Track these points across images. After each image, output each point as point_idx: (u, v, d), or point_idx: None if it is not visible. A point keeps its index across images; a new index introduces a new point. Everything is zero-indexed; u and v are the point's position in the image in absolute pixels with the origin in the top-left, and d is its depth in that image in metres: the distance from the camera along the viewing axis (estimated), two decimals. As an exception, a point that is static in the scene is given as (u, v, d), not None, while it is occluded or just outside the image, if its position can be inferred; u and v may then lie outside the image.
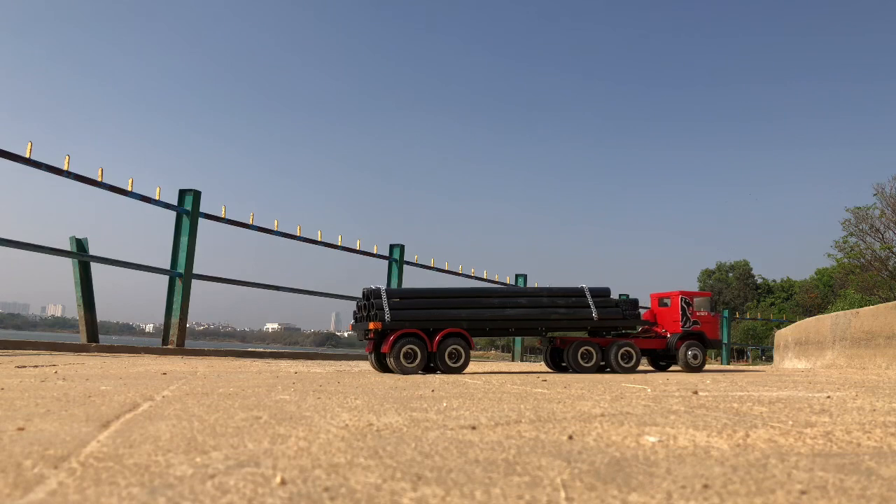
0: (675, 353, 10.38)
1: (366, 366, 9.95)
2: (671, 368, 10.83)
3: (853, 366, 13.11)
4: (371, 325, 8.60)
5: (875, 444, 2.01)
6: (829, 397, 3.86)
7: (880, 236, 35.25)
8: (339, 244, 14.22)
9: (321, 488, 1.30)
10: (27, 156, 9.24)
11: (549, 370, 9.99)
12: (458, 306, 9.22)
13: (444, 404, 3.03)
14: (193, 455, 1.60)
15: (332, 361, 11.36)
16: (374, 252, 14.88)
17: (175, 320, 11.02)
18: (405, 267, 15.53)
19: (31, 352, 8.45)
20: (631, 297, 10.10)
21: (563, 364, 10.00)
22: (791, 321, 25.83)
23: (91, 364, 5.84)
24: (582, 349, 9.40)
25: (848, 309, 19.34)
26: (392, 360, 8.45)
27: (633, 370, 9.39)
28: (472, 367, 9.50)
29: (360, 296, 9.44)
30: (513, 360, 17.69)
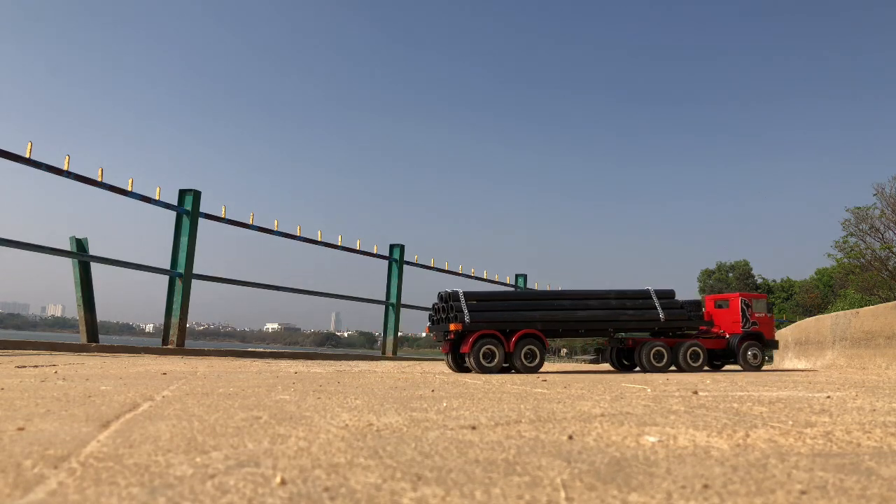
0: (736, 352, 10.84)
1: (365, 366, 9.96)
2: (706, 368, 11.36)
3: (853, 366, 13.12)
4: (452, 327, 8.94)
5: (875, 444, 2.01)
6: (829, 397, 3.86)
7: (880, 236, 35.24)
8: (339, 244, 14.21)
9: (321, 488, 1.30)
10: (27, 156, 9.23)
11: (614, 370, 10.47)
12: (532, 308, 9.54)
13: (444, 404, 3.03)
14: (193, 455, 1.60)
15: (332, 361, 11.35)
16: (374, 252, 14.87)
17: (175, 320, 11.01)
18: (405, 267, 15.51)
19: (31, 352, 8.44)
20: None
21: (627, 363, 10.65)
22: (791, 321, 25.81)
23: (91, 364, 5.84)
24: (654, 349, 9.80)
25: (848, 309, 19.36)
26: (472, 359, 8.78)
27: (700, 369, 9.89)
28: (472, 367, 9.50)
29: (437, 299, 9.86)
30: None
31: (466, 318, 8.99)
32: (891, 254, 35.09)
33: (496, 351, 8.86)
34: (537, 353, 9.01)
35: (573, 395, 3.70)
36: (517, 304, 9.62)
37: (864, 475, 1.51)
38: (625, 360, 10.73)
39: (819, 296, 53.80)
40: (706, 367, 10.55)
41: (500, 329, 9.06)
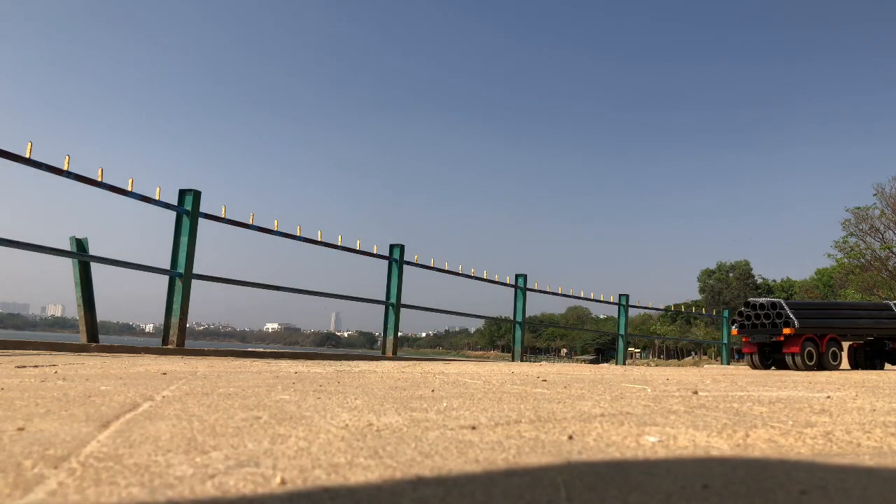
0: None
1: (366, 366, 9.94)
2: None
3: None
4: (785, 331, 10.93)
5: (875, 444, 2.01)
6: (829, 397, 3.86)
7: (880, 236, 35.26)
8: (339, 244, 14.20)
9: (321, 488, 1.29)
10: (27, 156, 9.22)
11: (849, 368, 12.47)
12: (829, 316, 11.68)
13: (444, 404, 3.03)
14: (193, 455, 1.59)
15: (332, 361, 11.34)
16: (374, 252, 14.87)
17: (175, 320, 11.00)
18: (405, 267, 15.51)
19: (31, 352, 8.43)
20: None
21: (878, 361, 12.72)
22: (791, 321, 25.74)
23: (91, 364, 5.84)
24: None
25: (848, 309, 19.55)
26: (799, 359, 10.85)
27: None
28: (471, 366, 9.53)
29: (745, 306, 12.06)
30: (513, 360, 17.67)
31: (797, 324, 10.83)
32: (891, 254, 35.08)
33: (814, 352, 10.90)
34: (838, 354, 11.23)
35: (573, 395, 3.70)
36: (821, 313, 11.64)
37: (864, 475, 1.51)
38: (875, 360, 12.69)
39: (819, 296, 53.84)
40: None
41: (816, 333, 11.05)
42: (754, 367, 11.53)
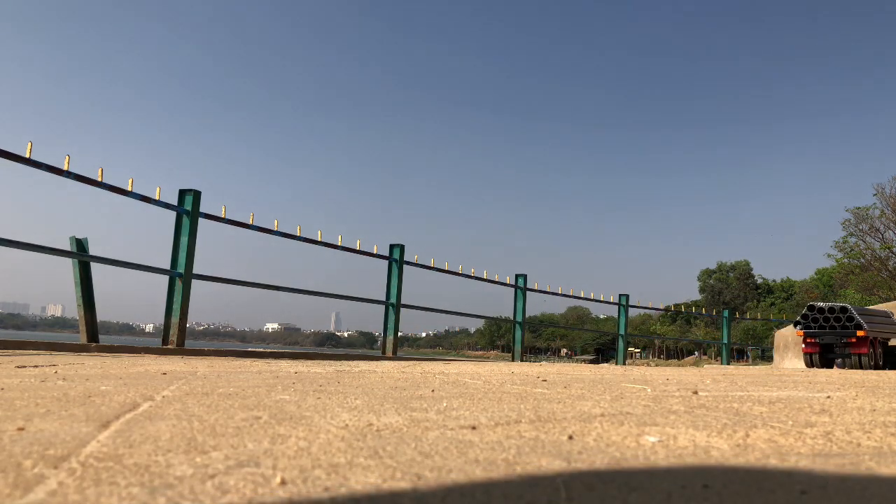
0: None
1: (366, 366, 9.93)
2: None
3: (853, 366, 13.55)
4: (859, 333, 12.12)
5: (875, 444, 2.01)
6: (829, 397, 3.86)
7: (880, 236, 35.29)
8: (339, 244, 14.20)
9: (321, 488, 1.29)
10: (27, 156, 9.22)
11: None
12: (877, 322, 12.92)
13: (444, 404, 3.03)
14: (193, 455, 1.59)
15: (332, 361, 11.33)
16: (374, 252, 14.86)
17: (175, 320, 10.99)
18: (405, 267, 15.51)
19: (31, 352, 8.43)
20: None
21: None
22: (791, 321, 25.78)
23: (91, 364, 5.84)
24: None
25: (848, 309, 19.46)
26: (866, 359, 12.04)
27: None
28: (471, 366, 9.55)
29: (809, 309, 13.18)
30: (513, 360, 17.67)
31: (867, 327, 12.09)
32: (891, 254, 35.10)
33: (875, 354, 12.20)
34: (882, 355, 12.62)
35: (573, 395, 3.69)
36: (875, 318, 12.93)
37: (864, 475, 1.51)
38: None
39: (819, 296, 53.89)
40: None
41: (873, 336, 12.37)
42: (812, 365, 12.67)
